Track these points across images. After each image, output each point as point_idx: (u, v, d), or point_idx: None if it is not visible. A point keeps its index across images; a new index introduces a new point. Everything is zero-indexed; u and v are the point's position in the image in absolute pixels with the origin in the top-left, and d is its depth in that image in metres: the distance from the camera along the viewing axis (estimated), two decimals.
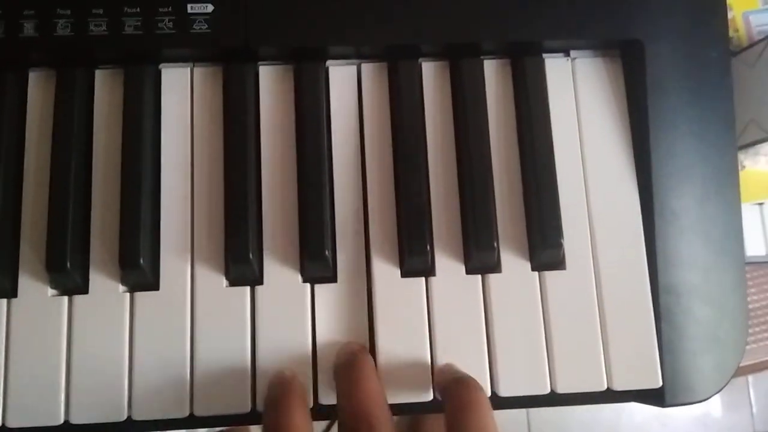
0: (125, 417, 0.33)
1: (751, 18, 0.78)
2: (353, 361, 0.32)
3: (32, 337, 0.33)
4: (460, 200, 0.36)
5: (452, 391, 0.31)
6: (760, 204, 0.57)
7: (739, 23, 0.78)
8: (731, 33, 0.76)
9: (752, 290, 0.64)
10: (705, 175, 0.37)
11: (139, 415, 0.33)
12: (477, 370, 0.33)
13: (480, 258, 0.34)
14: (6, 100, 0.35)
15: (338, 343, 0.34)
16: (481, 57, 0.37)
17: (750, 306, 0.62)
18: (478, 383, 0.31)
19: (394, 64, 0.37)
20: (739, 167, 0.67)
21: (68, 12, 0.35)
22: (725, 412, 1.26)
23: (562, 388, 0.34)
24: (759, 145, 0.55)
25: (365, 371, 0.31)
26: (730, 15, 0.77)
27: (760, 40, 0.50)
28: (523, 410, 1.19)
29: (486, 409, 0.29)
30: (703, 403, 0.36)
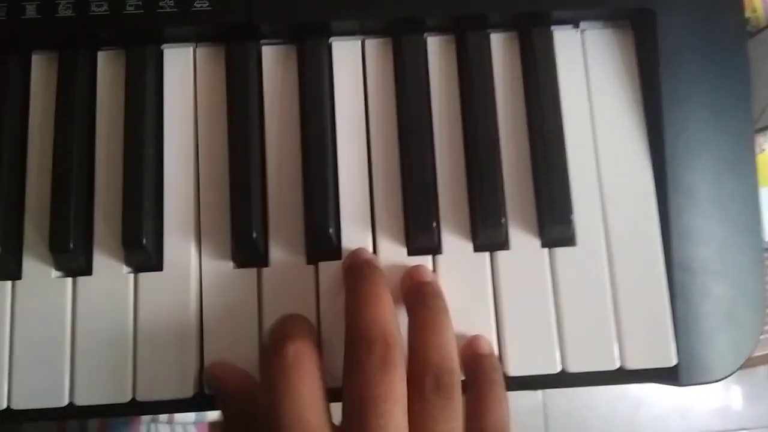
0: (130, 398, 0.32)
1: None
2: (366, 273, 0.31)
3: (37, 318, 0.33)
4: (467, 176, 0.35)
5: (416, 308, 0.31)
6: None
7: (757, 2, 0.76)
8: (749, 13, 0.74)
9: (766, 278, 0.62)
10: (720, 149, 0.35)
11: (143, 396, 0.32)
12: None
13: (487, 235, 0.34)
14: (9, 82, 0.35)
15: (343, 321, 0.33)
16: (488, 30, 0.37)
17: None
18: (439, 295, 0.31)
19: (398, 39, 0.36)
20: (758, 150, 0.66)
21: None
22: (745, 404, 1.24)
23: (573, 367, 0.33)
24: None
25: (380, 286, 0.30)
26: None
27: None
28: (540, 401, 1.18)
29: (448, 329, 0.30)
30: (723, 395, 0.35)
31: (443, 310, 0.31)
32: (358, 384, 0.27)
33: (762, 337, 0.55)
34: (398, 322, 0.30)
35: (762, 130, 0.69)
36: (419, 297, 0.31)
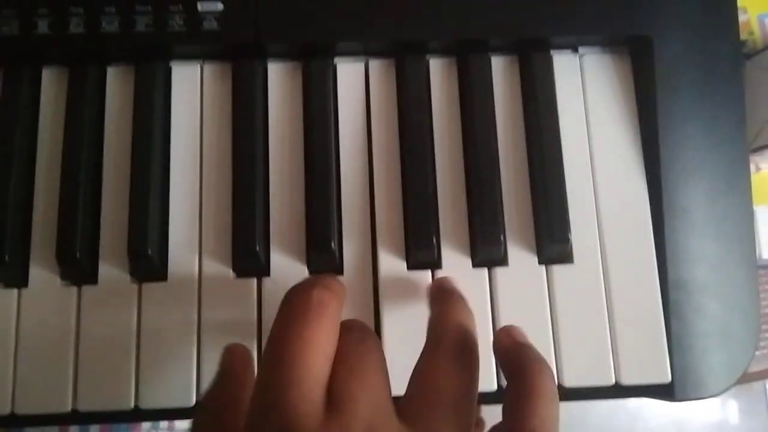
0: (132, 405, 0.33)
1: (767, 21, 0.77)
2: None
3: (42, 326, 0.34)
4: (467, 194, 0.36)
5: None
6: None
7: (754, 26, 0.77)
8: (746, 36, 0.75)
9: (764, 294, 0.62)
10: (715, 171, 0.36)
11: (145, 404, 0.33)
12: (482, 362, 0.33)
13: (486, 251, 0.34)
14: (20, 95, 0.36)
15: None
16: (489, 53, 0.38)
17: (765, 311, 0.61)
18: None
19: (401, 61, 0.37)
20: (755, 169, 0.67)
21: (81, 10, 0.36)
22: (742, 419, 1.24)
23: (569, 382, 0.33)
24: None
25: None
26: (744, 18, 0.76)
27: None
28: None
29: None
30: (720, 409, 0.35)
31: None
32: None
33: (758, 352, 0.56)
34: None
35: (758, 150, 0.69)
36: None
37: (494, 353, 0.29)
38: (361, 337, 0.26)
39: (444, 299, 0.30)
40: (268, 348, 0.25)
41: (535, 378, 0.26)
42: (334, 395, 0.23)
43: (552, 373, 0.27)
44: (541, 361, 0.27)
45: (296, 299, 0.25)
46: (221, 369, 0.30)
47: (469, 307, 0.30)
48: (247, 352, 0.31)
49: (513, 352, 0.28)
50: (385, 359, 0.26)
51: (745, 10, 0.76)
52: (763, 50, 0.68)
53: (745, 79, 0.52)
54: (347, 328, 0.26)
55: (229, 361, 0.30)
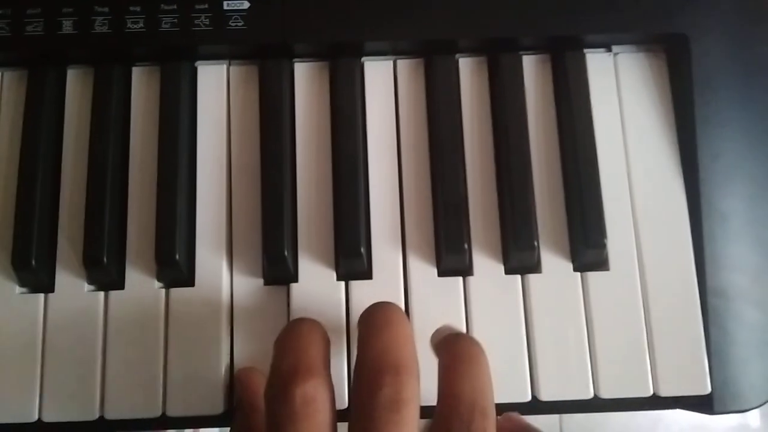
0: (160, 413, 0.32)
1: None
2: (387, 316, 0.27)
3: (69, 332, 0.33)
4: (499, 198, 0.35)
5: (449, 345, 0.26)
6: None
7: None
8: None
9: None
10: (755, 175, 0.35)
11: (173, 412, 0.32)
12: (516, 373, 0.32)
13: (519, 257, 0.33)
14: (45, 96, 0.36)
15: None
16: (520, 52, 0.37)
17: None
18: (477, 341, 0.27)
19: (430, 60, 0.36)
20: None
21: (106, 9, 0.36)
22: (763, 422, 1.22)
23: (605, 393, 0.32)
24: None
25: (394, 309, 0.27)
26: None
27: None
28: (556, 416, 1.17)
29: (484, 365, 0.25)
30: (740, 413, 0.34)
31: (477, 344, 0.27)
32: (363, 428, 0.23)
33: None
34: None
35: None
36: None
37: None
38: (392, 402, 0.23)
39: (453, 358, 0.26)
40: None
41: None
42: None
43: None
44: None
45: (278, 404, 0.24)
46: (236, 402, 0.31)
47: (484, 361, 0.26)
48: (256, 376, 0.31)
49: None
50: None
51: None
52: None
53: None
54: (374, 377, 0.24)
55: (240, 392, 0.31)
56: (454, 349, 0.26)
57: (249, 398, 0.31)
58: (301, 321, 0.27)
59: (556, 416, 1.18)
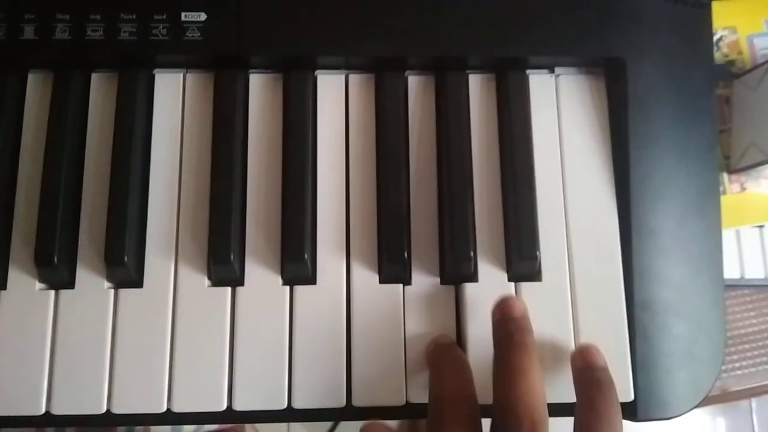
0: (104, 410, 0.33)
1: (756, 41, 0.78)
2: (517, 339, 0.31)
3: (19, 329, 0.34)
4: (439, 210, 0.36)
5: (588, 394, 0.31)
6: (760, 227, 0.57)
7: (743, 46, 0.78)
8: (735, 55, 0.76)
9: (752, 314, 0.63)
10: (685, 194, 0.37)
11: (117, 409, 0.33)
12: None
13: (456, 267, 0.35)
14: (5, 99, 0.37)
15: (315, 344, 0.34)
16: (467, 71, 0.38)
17: (749, 330, 0.62)
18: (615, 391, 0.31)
19: (380, 76, 0.38)
20: (739, 189, 0.67)
21: (67, 17, 0.37)
22: None
23: None
24: (761, 168, 0.55)
25: (530, 354, 0.31)
26: (734, 37, 0.77)
27: (762, 64, 0.50)
28: None
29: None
30: (709, 427, 0.35)
31: (530, 348, 0.31)
32: None
33: (742, 372, 0.56)
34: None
35: (744, 169, 0.70)
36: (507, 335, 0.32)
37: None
38: None
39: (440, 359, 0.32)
40: None
41: (595, 401, 0.31)
42: None
43: (615, 393, 0.31)
44: (603, 384, 0.31)
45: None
46: None
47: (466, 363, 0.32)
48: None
49: (580, 373, 0.32)
50: None
51: (735, 30, 0.77)
52: (749, 70, 0.69)
53: (733, 99, 0.52)
54: (514, 423, 0.29)
55: None
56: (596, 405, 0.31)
57: None
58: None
59: None
